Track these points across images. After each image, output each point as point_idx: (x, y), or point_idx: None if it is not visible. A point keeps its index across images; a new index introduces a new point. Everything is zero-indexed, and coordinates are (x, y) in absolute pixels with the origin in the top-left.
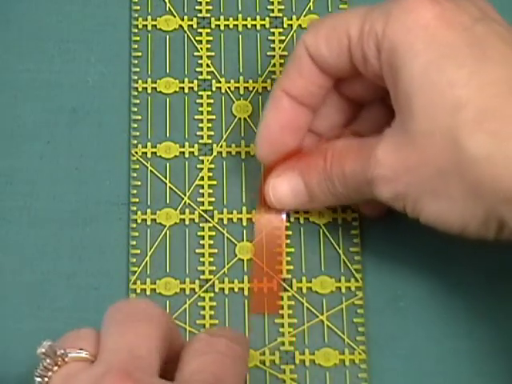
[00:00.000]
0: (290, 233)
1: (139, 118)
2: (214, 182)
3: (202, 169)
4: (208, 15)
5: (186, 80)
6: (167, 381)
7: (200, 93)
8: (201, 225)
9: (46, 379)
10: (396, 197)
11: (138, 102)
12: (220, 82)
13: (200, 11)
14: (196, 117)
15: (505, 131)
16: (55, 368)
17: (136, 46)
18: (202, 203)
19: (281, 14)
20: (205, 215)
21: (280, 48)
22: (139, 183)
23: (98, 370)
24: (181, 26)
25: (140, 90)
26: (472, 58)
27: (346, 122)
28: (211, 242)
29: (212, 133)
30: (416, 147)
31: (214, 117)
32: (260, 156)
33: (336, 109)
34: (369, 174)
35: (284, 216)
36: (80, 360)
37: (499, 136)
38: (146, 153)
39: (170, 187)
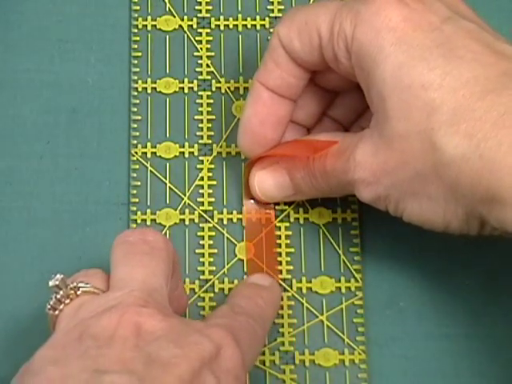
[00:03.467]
0: (290, 233)
1: (139, 118)
2: (214, 182)
3: (201, 169)
4: (208, 15)
5: (186, 80)
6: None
7: (200, 93)
8: (201, 225)
9: (57, 312)
10: (377, 198)
11: (137, 102)
12: (220, 82)
13: (200, 11)
14: (196, 117)
15: (479, 132)
16: (67, 301)
17: (136, 46)
18: (202, 203)
19: (281, 14)
20: (205, 215)
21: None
22: (139, 183)
23: (115, 294)
24: (181, 26)
25: (140, 90)
26: (443, 59)
27: (323, 110)
28: (211, 242)
29: (212, 133)
30: (393, 150)
31: (213, 117)
32: (243, 150)
33: (312, 98)
34: (349, 176)
35: (271, 205)
36: (92, 293)
37: (474, 137)
38: (146, 153)
39: (169, 187)
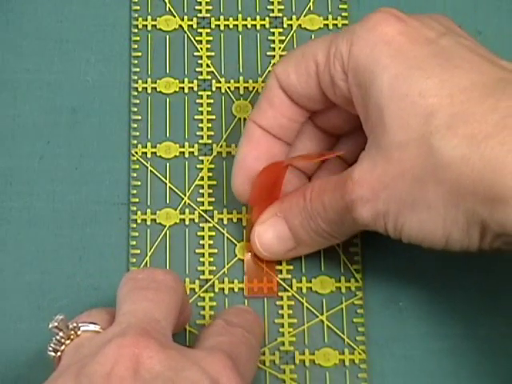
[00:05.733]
0: None
1: (139, 118)
2: (214, 182)
3: (201, 169)
4: (208, 15)
5: (186, 80)
6: (183, 346)
7: (200, 93)
8: (201, 225)
9: (59, 353)
10: (376, 216)
11: (137, 102)
12: (220, 82)
13: (200, 11)
14: (196, 117)
15: (479, 133)
16: (68, 341)
17: (136, 46)
18: (202, 203)
19: (281, 14)
20: (205, 215)
21: (280, 48)
22: (139, 183)
23: (115, 329)
24: (181, 26)
25: (140, 90)
26: (440, 68)
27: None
28: (211, 242)
29: (212, 133)
30: (391, 160)
31: (213, 117)
32: (237, 190)
33: (312, 141)
34: (347, 197)
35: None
36: (93, 332)
37: (474, 138)
38: (146, 153)
39: (170, 187)
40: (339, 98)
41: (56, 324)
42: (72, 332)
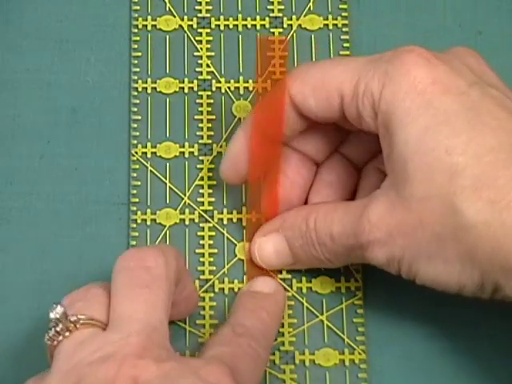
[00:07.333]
0: None
1: (139, 118)
2: (214, 182)
3: (201, 169)
4: (208, 15)
5: (186, 80)
6: (184, 356)
7: (200, 93)
8: (201, 225)
9: (56, 343)
10: (391, 260)
11: (137, 102)
12: (220, 82)
13: (200, 11)
14: (196, 117)
15: (503, 199)
16: (67, 333)
17: (136, 46)
18: (202, 203)
19: (281, 14)
20: (205, 215)
21: (280, 48)
22: (139, 183)
23: (114, 336)
24: (181, 26)
25: (140, 89)
26: (469, 125)
27: (334, 147)
28: (211, 242)
29: (212, 133)
30: (412, 211)
31: (213, 117)
32: (224, 174)
33: (322, 134)
34: (363, 237)
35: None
36: (92, 325)
37: (497, 204)
38: (146, 153)
39: (169, 187)
40: (365, 128)
41: (57, 316)
42: (72, 325)
